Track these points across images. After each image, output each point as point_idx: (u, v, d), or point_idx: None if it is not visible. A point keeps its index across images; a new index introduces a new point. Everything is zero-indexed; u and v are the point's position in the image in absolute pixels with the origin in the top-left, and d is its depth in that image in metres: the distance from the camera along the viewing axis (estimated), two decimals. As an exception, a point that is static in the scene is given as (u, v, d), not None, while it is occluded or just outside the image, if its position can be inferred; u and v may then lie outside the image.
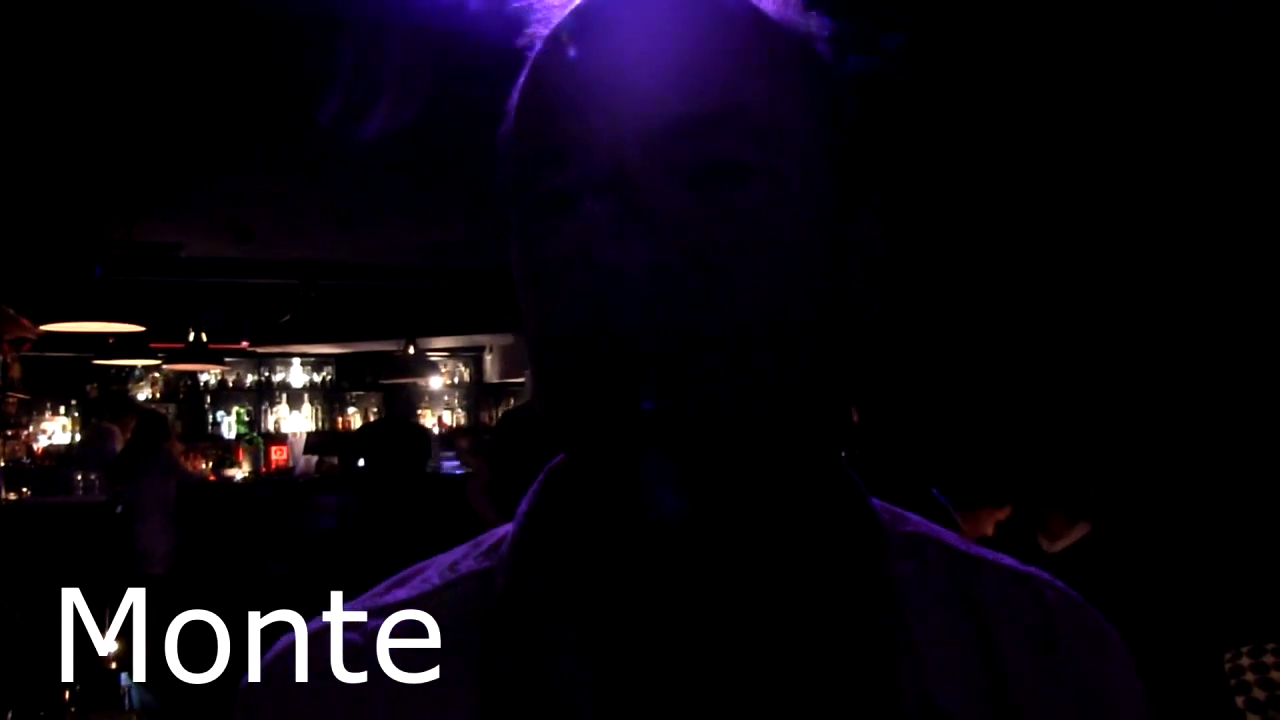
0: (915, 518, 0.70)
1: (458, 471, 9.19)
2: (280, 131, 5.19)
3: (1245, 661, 3.20)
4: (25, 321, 7.46)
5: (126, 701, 4.06)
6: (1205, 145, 4.24)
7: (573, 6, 0.61)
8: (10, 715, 3.34)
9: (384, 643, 0.64)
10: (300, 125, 4.95)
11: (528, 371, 10.26)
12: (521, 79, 0.63)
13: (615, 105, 0.56)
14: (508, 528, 0.69)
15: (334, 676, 0.64)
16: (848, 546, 0.64)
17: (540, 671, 0.60)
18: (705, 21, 0.59)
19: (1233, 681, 3.19)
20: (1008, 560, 0.71)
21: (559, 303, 0.57)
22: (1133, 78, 4.08)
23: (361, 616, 0.66)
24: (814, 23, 0.64)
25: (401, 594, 0.68)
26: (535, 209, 0.59)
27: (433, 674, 0.62)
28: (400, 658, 0.63)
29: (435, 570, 0.69)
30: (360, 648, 0.64)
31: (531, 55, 0.63)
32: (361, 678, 0.63)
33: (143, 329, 6.62)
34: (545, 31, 0.63)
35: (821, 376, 0.60)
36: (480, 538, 0.71)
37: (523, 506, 0.68)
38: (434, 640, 0.64)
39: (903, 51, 3.89)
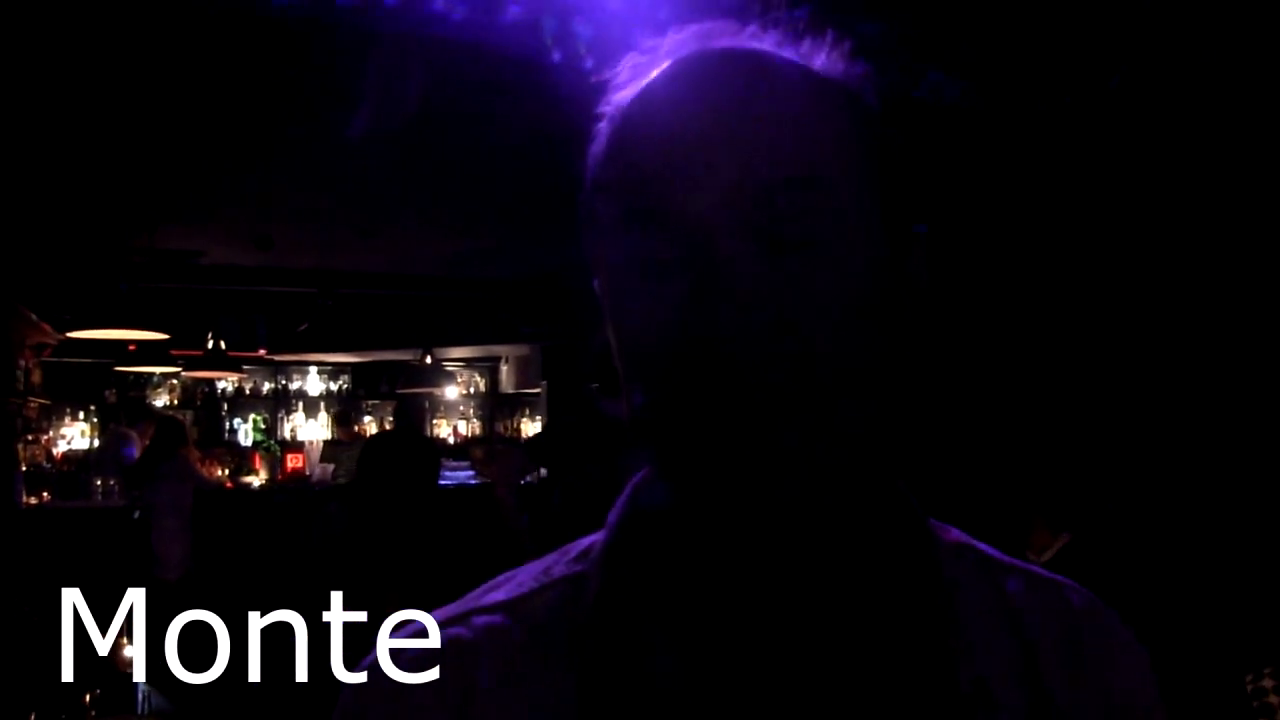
0: (955, 530, 0.76)
1: (471, 482, 9.20)
2: (302, 141, 5.22)
3: (1268, 683, 3.18)
4: (46, 327, 7.51)
5: (143, 706, 4.07)
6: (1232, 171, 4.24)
7: (657, 73, 0.67)
8: (33, 717, 3.36)
9: (483, 642, 0.68)
10: (322, 135, 4.98)
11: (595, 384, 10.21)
12: (608, 126, 0.68)
13: (701, 175, 0.61)
14: (594, 537, 0.74)
15: (435, 675, 0.67)
16: (907, 551, 0.69)
17: (638, 668, 0.64)
18: (780, 93, 0.64)
19: (1255, 704, 3.17)
20: (1035, 568, 0.76)
21: (652, 353, 0.62)
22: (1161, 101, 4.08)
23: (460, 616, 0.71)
24: (858, 72, 0.69)
25: (499, 596, 0.72)
26: (624, 265, 0.64)
27: (530, 673, 0.66)
28: (499, 657, 0.67)
29: (529, 575, 0.73)
30: (464, 645, 0.68)
31: (617, 107, 0.68)
32: (463, 676, 0.67)
33: (165, 337, 6.65)
34: (626, 84, 0.68)
35: (887, 404, 0.65)
36: (567, 546, 0.75)
37: (613, 516, 0.73)
38: (533, 640, 0.68)
39: (938, 83, 3.91)
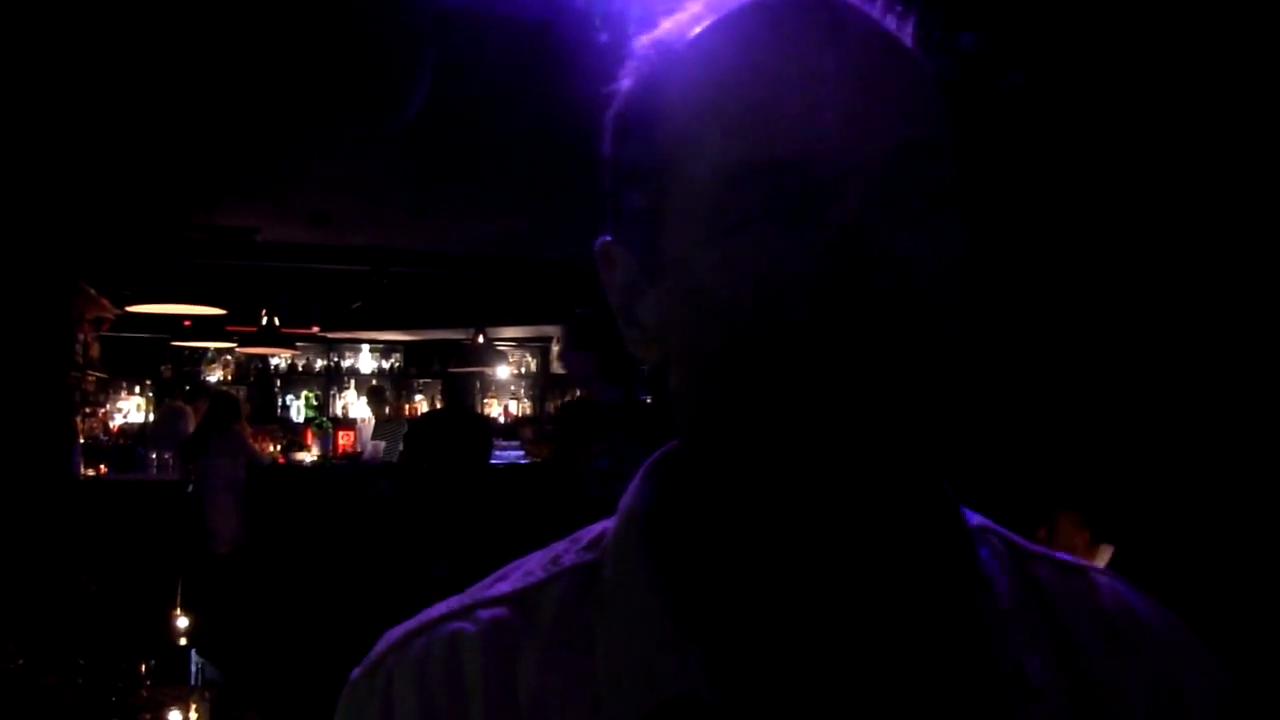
0: (977, 515, 0.72)
1: (522, 461, 9.24)
2: (358, 118, 5.24)
3: None
4: (105, 302, 7.61)
5: (196, 677, 4.13)
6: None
7: (733, 11, 0.61)
8: (81, 682, 3.41)
9: (486, 637, 0.66)
10: (378, 113, 5.00)
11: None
12: (670, 61, 0.63)
13: (832, 125, 0.56)
14: (606, 524, 0.70)
15: (448, 668, 0.65)
16: (940, 533, 0.66)
17: (654, 657, 0.61)
18: (893, 49, 0.60)
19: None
20: (1060, 554, 0.73)
21: (773, 315, 0.56)
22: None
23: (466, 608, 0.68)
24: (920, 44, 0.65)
25: (505, 587, 0.69)
26: (724, 219, 0.58)
27: (536, 667, 0.64)
28: (502, 652, 0.65)
29: (538, 564, 0.70)
30: (474, 637, 0.66)
31: (679, 40, 0.63)
32: (465, 673, 0.64)
33: (221, 312, 6.72)
34: (684, 22, 0.63)
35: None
36: (578, 534, 0.72)
37: (625, 501, 0.69)
38: (542, 630, 0.65)
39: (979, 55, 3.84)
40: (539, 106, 4.86)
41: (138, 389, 9.95)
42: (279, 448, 9.67)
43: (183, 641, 4.37)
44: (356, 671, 0.69)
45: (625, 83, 0.66)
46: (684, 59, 0.62)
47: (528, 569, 0.70)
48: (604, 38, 3.50)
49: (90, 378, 8.30)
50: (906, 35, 0.63)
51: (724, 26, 0.61)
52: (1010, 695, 0.62)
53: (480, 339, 9.43)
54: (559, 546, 0.71)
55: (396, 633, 0.69)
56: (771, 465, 0.59)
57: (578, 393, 4.28)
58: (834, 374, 0.55)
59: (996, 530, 0.72)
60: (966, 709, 0.61)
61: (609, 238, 0.68)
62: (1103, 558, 3.17)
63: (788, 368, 0.56)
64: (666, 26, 0.65)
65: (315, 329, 9.99)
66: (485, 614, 0.67)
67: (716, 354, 0.59)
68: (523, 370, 11.40)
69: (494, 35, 3.95)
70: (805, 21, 0.59)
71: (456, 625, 0.67)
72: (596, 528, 0.71)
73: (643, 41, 0.66)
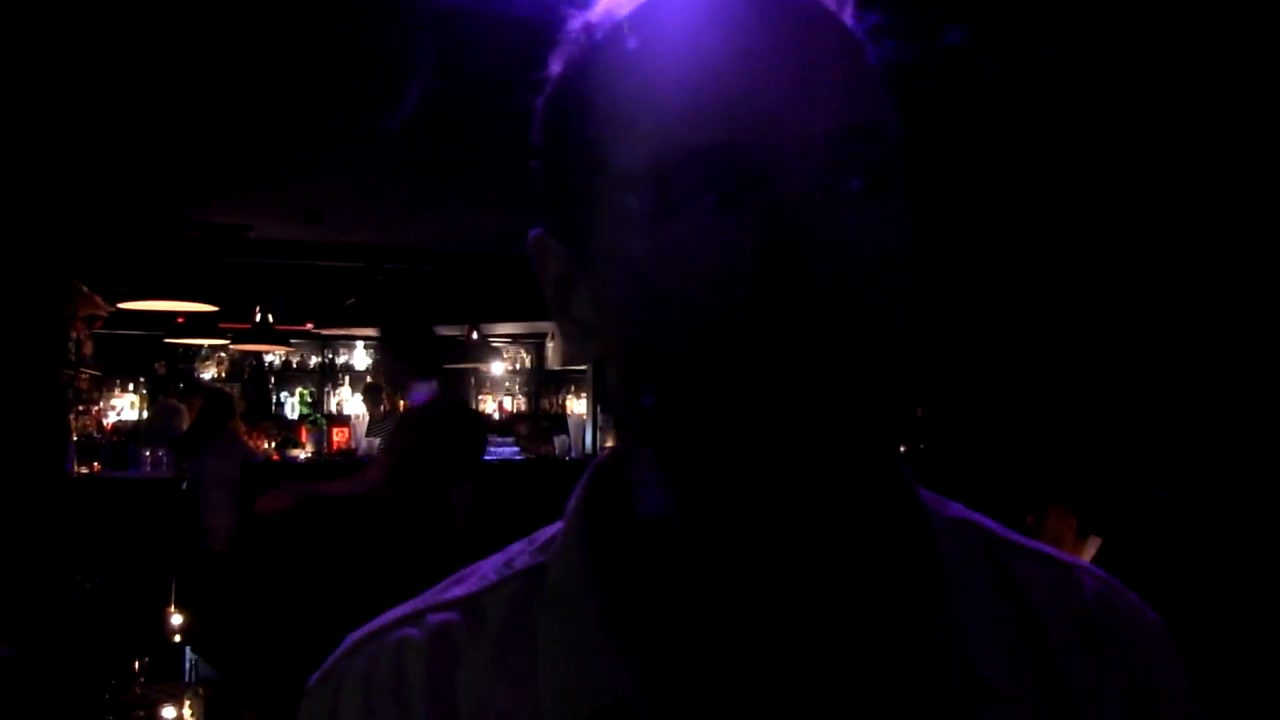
0: (957, 504, 0.70)
1: (517, 458, 9.24)
2: (352, 115, 5.23)
3: None
4: (98, 299, 7.59)
5: (190, 675, 4.13)
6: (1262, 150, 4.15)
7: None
8: (75, 680, 3.40)
9: (433, 642, 0.65)
10: (372, 110, 4.99)
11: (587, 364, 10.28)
12: (607, 39, 0.61)
13: (778, 114, 0.54)
14: (558, 525, 0.69)
15: (392, 675, 0.65)
16: (895, 527, 0.64)
17: (589, 665, 0.61)
18: (835, 30, 0.58)
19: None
20: (1045, 547, 0.71)
21: (715, 302, 0.55)
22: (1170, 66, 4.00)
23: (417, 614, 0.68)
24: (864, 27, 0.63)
25: (459, 591, 0.68)
26: (655, 210, 0.56)
27: (483, 671, 0.63)
28: (447, 657, 0.64)
29: (492, 567, 0.70)
30: (419, 643, 0.65)
31: (609, 19, 0.61)
32: (420, 675, 0.64)
33: (215, 309, 6.71)
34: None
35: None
36: (536, 534, 0.71)
37: (570, 501, 0.69)
38: (488, 635, 0.65)
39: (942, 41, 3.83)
40: (534, 102, 4.85)
41: (131, 386, 9.92)
42: (273, 445, 9.66)
43: (177, 639, 4.36)
44: (313, 678, 0.69)
45: (555, 67, 0.64)
46: (614, 40, 0.59)
47: (483, 572, 0.69)
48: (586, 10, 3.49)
49: (84, 375, 8.29)
50: (847, 15, 0.61)
51: (655, 6, 0.59)
52: (964, 699, 0.60)
53: (475, 335, 9.43)
54: (516, 547, 0.71)
55: (351, 639, 0.69)
56: (707, 461, 0.57)
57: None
58: (772, 361, 0.53)
59: (975, 521, 0.70)
60: (911, 713, 0.59)
61: (540, 230, 0.66)
62: (1089, 550, 3.16)
63: (724, 356, 0.54)
64: (599, 7, 0.62)
65: (309, 326, 9.97)
66: (434, 619, 0.66)
67: (650, 345, 0.57)
68: (517, 366, 11.39)
69: (489, 31, 3.95)
70: (739, 1, 0.57)
71: (404, 632, 0.66)
72: (552, 528, 0.70)
73: (575, 24, 0.63)
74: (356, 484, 4.55)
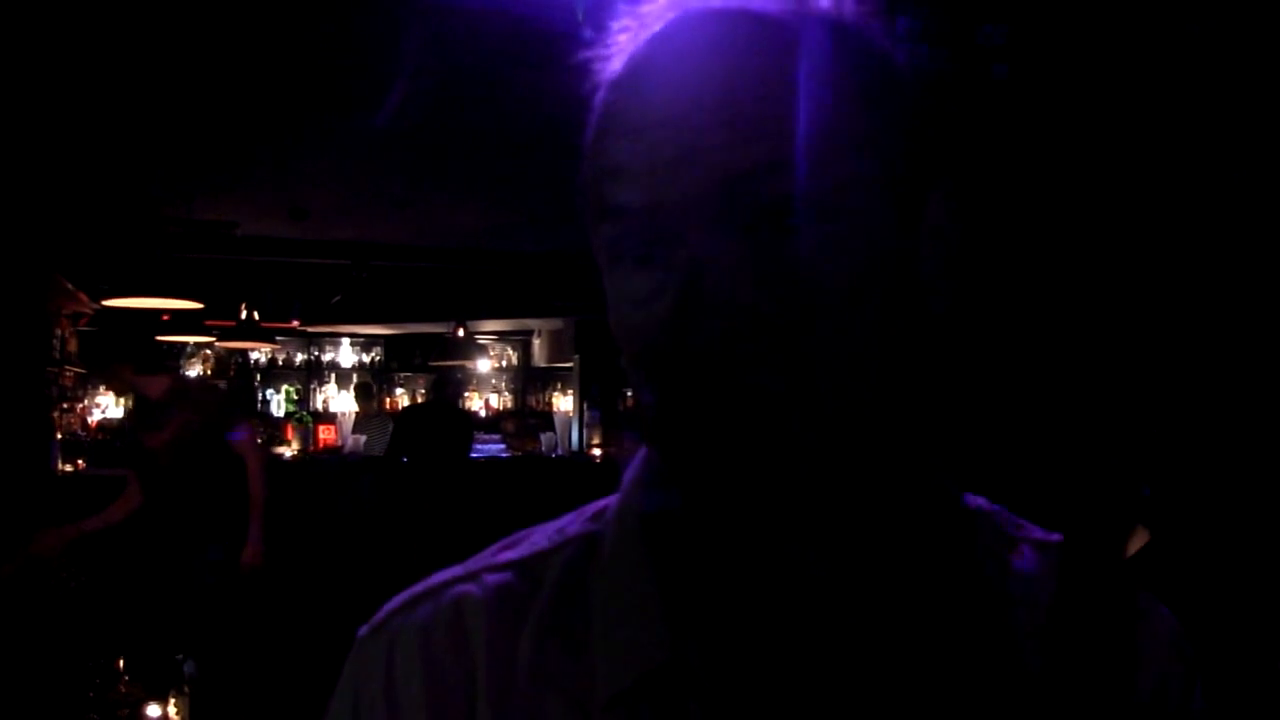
0: (976, 497, 0.72)
1: (503, 455, 9.24)
2: (338, 112, 5.22)
3: None
4: (83, 296, 7.56)
5: (175, 672, 4.11)
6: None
7: (637, 47, 0.63)
8: (60, 678, 3.39)
9: (492, 599, 0.67)
10: (358, 107, 4.98)
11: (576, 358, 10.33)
12: (598, 102, 0.65)
13: (672, 162, 0.58)
14: (610, 499, 0.72)
15: (453, 629, 0.66)
16: (934, 527, 0.67)
17: (643, 627, 0.63)
18: (768, 56, 0.59)
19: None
20: (1038, 532, 0.73)
21: (641, 355, 0.61)
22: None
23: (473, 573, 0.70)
24: (875, 20, 0.64)
25: (512, 555, 0.70)
26: (605, 247, 0.63)
27: (541, 631, 0.65)
28: (508, 615, 0.66)
29: (543, 535, 0.72)
30: (480, 600, 0.67)
31: (606, 82, 0.65)
32: (471, 634, 0.66)
33: (200, 306, 6.69)
34: (616, 52, 0.65)
35: (899, 383, 0.63)
36: (585, 507, 0.73)
37: (626, 474, 0.71)
38: (543, 597, 0.67)
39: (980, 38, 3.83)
40: (520, 99, 4.85)
41: (118, 391, 9.88)
42: (259, 442, 9.64)
43: (162, 637, 4.34)
44: (363, 629, 0.70)
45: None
46: (600, 99, 0.64)
47: (534, 539, 0.71)
48: (586, 31, 3.50)
49: (68, 373, 8.25)
50: (830, 9, 0.62)
51: (628, 63, 0.63)
52: (1010, 680, 0.63)
53: (461, 332, 9.42)
54: (566, 519, 0.73)
55: (403, 596, 0.70)
56: (685, 469, 0.61)
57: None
58: (690, 407, 0.58)
59: (995, 511, 0.72)
60: (957, 689, 0.62)
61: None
62: (1135, 542, 3.21)
63: (660, 395, 0.59)
64: (614, 57, 0.65)
65: (295, 323, 9.95)
66: (492, 579, 0.68)
67: (627, 368, 0.64)
68: (504, 364, 11.40)
69: (475, 28, 3.95)
70: (675, 53, 0.61)
71: (463, 589, 0.68)
72: (601, 502, 0.73)
73: (598, 67, 0.66)
74: (117, 511, 4.74)
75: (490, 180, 6.74)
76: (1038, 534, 0.73)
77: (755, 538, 0.63)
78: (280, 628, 5.42)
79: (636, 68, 0.62)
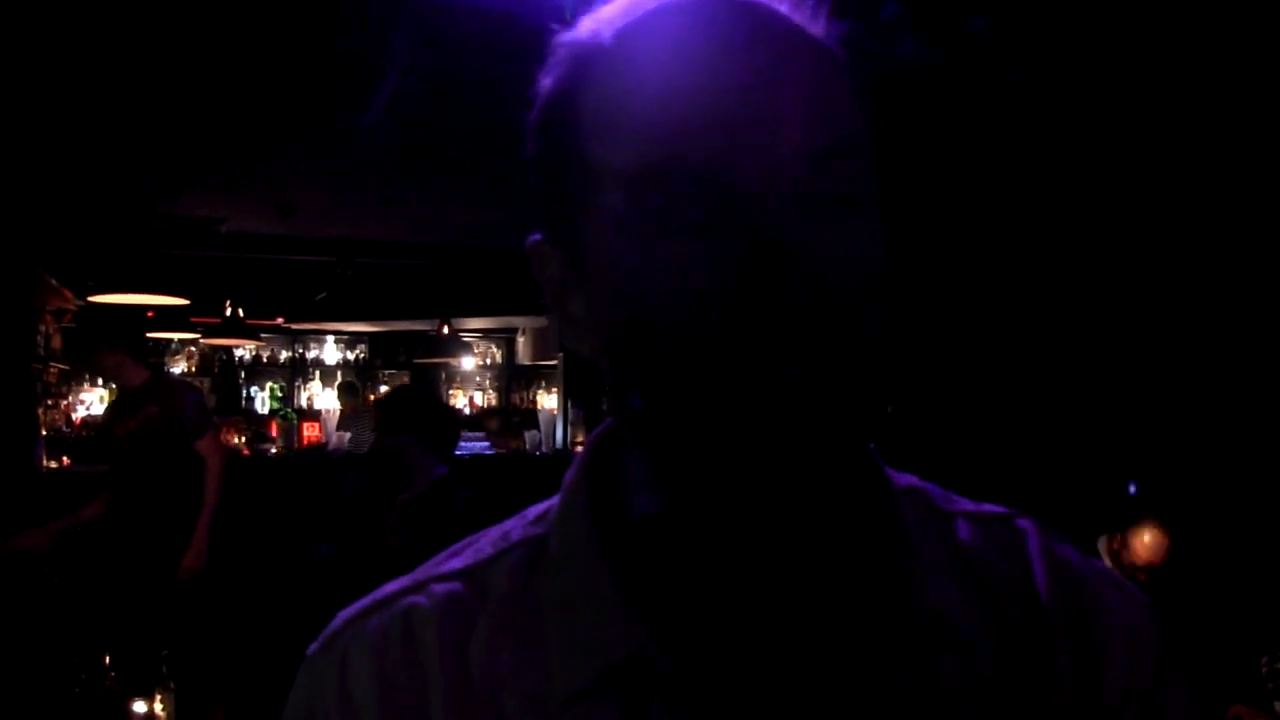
0: (906, 474, 0.74)
1: (487, 452, 9.23)
2: (324, 108, 5.22)
3: None
4: (67, 292, 7.53)
5: (160, 670, 4.10)
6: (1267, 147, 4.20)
7: (647, 12, 0.62)
8: (45, 675, 3.39)
9: (441, 610, 0.67)
10: (345, 103, 4.98)
11: (559, 356, 10.33)
12: (587, 59, 0.64)
13: (743, 136, 0.57)
14: (552, 500, 0.72)
15: (405, 640, 0.66)
16: (863, 493, 0.69)
17: (601, 622, 0.64)
18: (802, 50, 0.61)
19: (1270, 685, 3.16)
20: (986, 506, 0.75)
21: (688, 323, 0.58)
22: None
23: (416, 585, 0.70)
24: (838, 35, 0.66)
25: (457, 563, 0.70)
26: (639, 215, 0.59)
27: (488, 640, 0.65)
28: (456, 625, 0.66)
29: (488, 541, 0.72)
30: (428, 610, 0.67)
31: (593, 41, 0.64)
32: (433, 640, 0.66)
33: (185, 302, 6.68)
34: (603, 19, 0.64)
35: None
36: (526, 511, 0.74)
37: (569, 475, 0.72)
38: (493, 602, 0.67)
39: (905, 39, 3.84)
40: (507, 97, 4.85)
41: (100, 381, 9.85)
42: (243, 440, 9.62)
43: (148, 634, 4.34)
44: (313, 647, 0.70)
45: (545, 82, 0.67)
46: (600, 61, 0.63)
47: (478, 546, 0.72)
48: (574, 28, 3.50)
49: (52, 369, 8.22)
50: (823, 30, 0.64)
51: (637, 28, 0.62)
52: (933, 645, 0.64)
53: (445, 330, 9.41)
54: (508, 524, 0.73)
55: (352, 609, 0.70)
56: (687, 454, 0.61)
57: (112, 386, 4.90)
58: (746, 380, 0.57)
59: (924, 488, 0.74)
60: (894, 662, 0.63)
61: (539, 235, 0.69)
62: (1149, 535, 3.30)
63: (703, 373, 0.58)
64: (586, 25, 0.65)
65: (280, 320, 9.93)
66: (439, 588, 0.68)
67: (635, 347, 0.61)
68: (488, 361, 11.39)
69: (462, 25, 3.95)
70: (717, 24, 0.60)
71: (411, 600, 0.68)
72: (542, 505, 0.73)
73: (563, 40, 0.66)
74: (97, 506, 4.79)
75: (477, 178, 6.74)
76: (968, 506, 0.74)
77: (739, 535, 0.64)
78: (267, 625, 5.42)
79: (668, 29, 0.61)
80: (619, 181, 0.60)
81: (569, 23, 0.67)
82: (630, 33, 0.62)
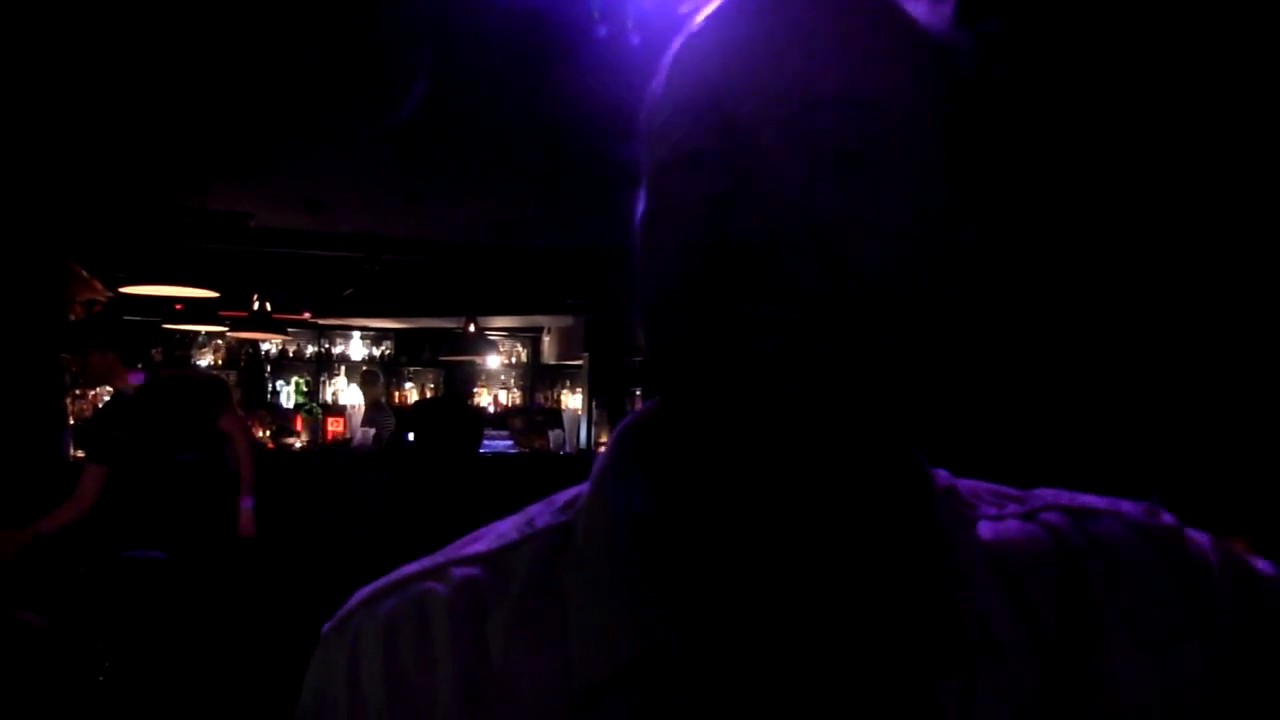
0: (942, 471, 0.72)
1: (511, 451, 9.25)
2: (354, 105, 5.24)
3: None
4: (97, 284, 7.59)
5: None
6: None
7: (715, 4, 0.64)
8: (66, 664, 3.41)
9: (457, 596, 0.66)
10: (374, 100, 5.00)
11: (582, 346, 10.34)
12: (678, 45, 0.65)
13: (750, 82, 0.58)
14: (580, 487, 0.71)
15: (417, 627, 0.66)
16: (906, 495, 0.67)
17: (625, 615, 0.62)
18: (846, 13, 0.61)
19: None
20: (1005, 489, 0.73)
21: (680, 258, 0.59)
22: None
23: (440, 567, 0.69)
24: (958, 33, 0.65)
25: (479, 548, 0.70)
26: (664, 162, 0.61)
27: (512, 624, 0.64)
28: (472, 612, 0.65)
29: (511, 525, 0.71)
30: (444, 597, 0.66)
31: (677, 43, 0.66)
32: (446, 628, 0.65)
33: (215, 295, 6.72)
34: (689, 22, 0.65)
35: (912, 353, 0.62)
36: (553, 497, 0.73)
37: (598, 465, 0.71)
38: (513, 591, 0.66)
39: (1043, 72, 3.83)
40: (534, 95, 4.86)
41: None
42: (269, 433, 9.67)
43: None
44: (327, 626, 0.70)
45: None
46: (671, 53, 0.65)
47: (502, 530, 0.71)
48: (601, 28, 3.51)
49: (81, 360, 8.26)
50: (921, 9, 0.64)
51: (706, 14, 0.64)
52: (975, 649, 0.62)
53: (471, 328, 9.43)
54: (534, 509, 0.72)
55: (369, 589, 0.69)
56: (694, 424, 0.60)
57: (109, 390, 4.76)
58: (709, 324, 0.57)
59: (957, 487, 0.71)
60: (932, 663, 0.61)
61: None
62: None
63: (673, 318, 0.58)
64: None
65: (307, 315, 9.97)
66: (458, 573, 0.67)
67: (639, 309, 0.62)
68: (513, 360, 11.40)
69: (490, 24, 3.96)
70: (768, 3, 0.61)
71: (427, 585, 0.67)
72: (571, 491, 0.72)
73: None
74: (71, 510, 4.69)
75: (504, 176, 6.75)
76: (992, 510, 0.71)
77: (755, 516, 0.62)
78: (290, 616, 5.44)
79: (721, 11, 0.63)
80: (650, 146, 0.62)
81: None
82: (694, 28, 0.64)
